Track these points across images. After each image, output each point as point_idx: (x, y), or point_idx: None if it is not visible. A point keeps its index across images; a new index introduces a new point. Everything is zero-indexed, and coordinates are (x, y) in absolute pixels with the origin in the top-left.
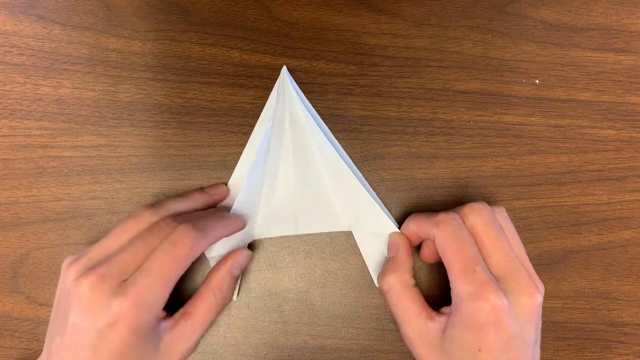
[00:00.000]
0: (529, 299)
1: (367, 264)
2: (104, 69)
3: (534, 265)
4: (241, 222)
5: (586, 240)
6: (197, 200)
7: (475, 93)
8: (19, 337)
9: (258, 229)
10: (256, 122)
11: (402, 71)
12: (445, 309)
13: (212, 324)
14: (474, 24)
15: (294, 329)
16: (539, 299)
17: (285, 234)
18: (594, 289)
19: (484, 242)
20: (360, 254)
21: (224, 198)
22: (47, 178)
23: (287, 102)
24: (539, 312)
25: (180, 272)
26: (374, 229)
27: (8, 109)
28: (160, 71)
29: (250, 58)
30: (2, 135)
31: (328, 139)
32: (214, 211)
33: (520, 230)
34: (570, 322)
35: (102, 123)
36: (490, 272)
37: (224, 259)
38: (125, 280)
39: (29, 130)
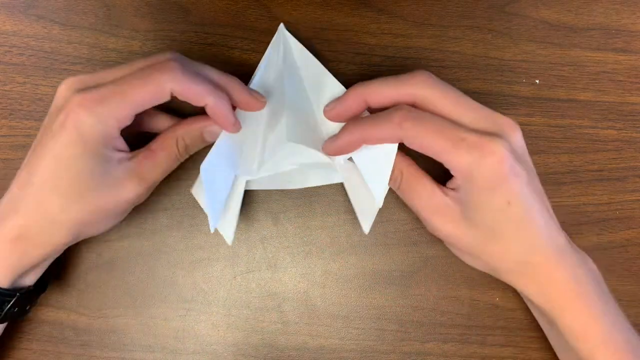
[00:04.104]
0: (517, 131)
1: (370, 186)
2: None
3: None
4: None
5: (586, 240)
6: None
7: (476, 93)
8: (19, 337)
9: (254, 174)
10: None
11: (402, 71)
12: (451, 183)
13: (165, 174)
14: (474, 23)
15: (294, 329)
16: (519, 127)
17: (280, 188)
18: None
19: (448, 107)
20: (359, 253)
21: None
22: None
23: (282, 57)
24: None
25: (147, 97)
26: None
27: (8, 109)
28: None
29: (251, 58)
30: (2, 135)
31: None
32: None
33: None
34: None
35: None
36: (475, 127)
37: (198, 116)
38: None
39: (29, 130)
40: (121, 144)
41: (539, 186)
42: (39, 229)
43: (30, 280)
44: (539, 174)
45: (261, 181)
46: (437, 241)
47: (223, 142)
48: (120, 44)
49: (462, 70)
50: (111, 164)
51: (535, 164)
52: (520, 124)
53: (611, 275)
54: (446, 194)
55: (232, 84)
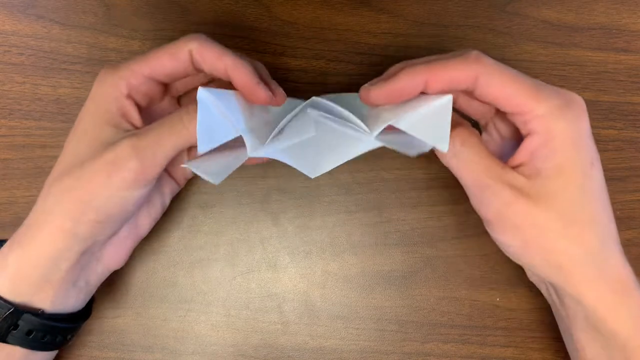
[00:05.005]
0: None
1: (429, 141)
2: None
3: None
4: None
5: None
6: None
7: None
8: None
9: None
10: None
11: None
12: (516, 158)
13: (168, 147)
14: (474, 23)
15: (293, 329)
16: None
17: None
18: None
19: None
20: (359, 253)
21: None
22: (47, 178)
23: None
24: None
25: (166, 56)
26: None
27: (7, 109)
28: None
29: (250, 58)
30: (1, 135)
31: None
32: None
33: None
34: None
35: None
36: None
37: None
38: None
39: (28, 130)
40: (134, 115)
41: None
42: (32, 214)
43: (43, 301)
44: None
45: (274, 151)
46: (437, 241)
47: (231, 94)
48: (119, 43)
49: None
50: (117, 130)
51: None
52: None
53: None
54: (517, 170)
55: (259, 64)
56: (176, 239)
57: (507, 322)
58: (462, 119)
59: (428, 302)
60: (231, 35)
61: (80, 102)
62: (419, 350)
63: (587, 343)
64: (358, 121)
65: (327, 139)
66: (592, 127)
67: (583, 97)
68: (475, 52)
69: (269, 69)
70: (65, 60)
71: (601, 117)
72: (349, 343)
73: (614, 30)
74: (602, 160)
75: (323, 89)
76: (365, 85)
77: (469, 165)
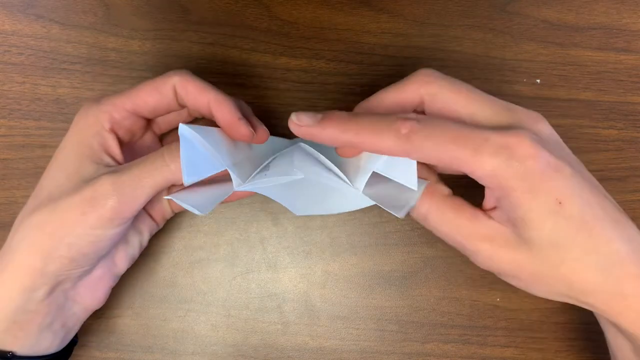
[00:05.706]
0: (541, 122)
1: (402, 182)
2: (102, 69)
3: None
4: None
5: None
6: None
7: None
8: None
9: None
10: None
11: (402, 70)
12: (487, 202)
13: (147, 187)
14: (474, 23)
15: (293, 329)
16: (542, 117)
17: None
18: None
19: (461, 102)
20: (359, 253)
21: (252, 140)
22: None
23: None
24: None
25: (148, 90)
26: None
27: (6, 109)
28: (160, 71)
29: (250, 57)
30: (1, 135)
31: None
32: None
33: None
34: (571, 322)
35: None
36: (492, 123)
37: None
38: None
39: (28, 130)
40: (115, 149)
41: (591, 177)
42: (1, 251)
43: (13, 343)
44: None
45: (261, 188)
46: (437, 241)
47: (213, 130)
48: (119, 43)
49: (462, 70)
50: (98, 166)
51: None
52: None
53: None
54: (490, 217)
55: (242, 102)
56: (176, 239)
57: (508, 322)
58: (428, 174)
59: (428, 302)
60: (231, 35)
61: (80, 102)
62: (419, 350)
63: None
64: (342, 175)
65: (313, 189)
66: (593, 127)
67: (583, 97)
68: (408, 124)
69: (268, 69)
70: (65, 60)
71: (601, 117)
72: (349, 343)
73: (614, 30)
74: (602, 161)
75: (323, 89)
76: (293, 114)
77: (441, 229)
